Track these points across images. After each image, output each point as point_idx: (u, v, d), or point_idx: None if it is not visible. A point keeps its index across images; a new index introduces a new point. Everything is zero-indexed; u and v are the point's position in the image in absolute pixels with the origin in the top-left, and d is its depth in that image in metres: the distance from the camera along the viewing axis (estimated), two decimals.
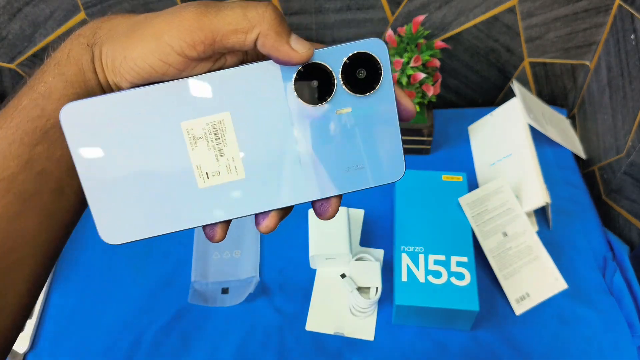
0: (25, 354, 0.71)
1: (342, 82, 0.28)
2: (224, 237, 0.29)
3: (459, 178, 0.77)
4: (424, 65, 0.83)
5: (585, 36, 0.88)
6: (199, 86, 0.27)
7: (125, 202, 0.28)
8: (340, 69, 0.28)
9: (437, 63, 0.84)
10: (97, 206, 0.28)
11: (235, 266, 0.77)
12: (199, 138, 0.28)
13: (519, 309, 0.71)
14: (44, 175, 0.26)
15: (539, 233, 0.78)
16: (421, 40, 0.82)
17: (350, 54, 0.27)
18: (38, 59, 0.96)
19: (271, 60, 0.27)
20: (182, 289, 0.75)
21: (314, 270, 0.77)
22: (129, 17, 0.27)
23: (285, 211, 0.30)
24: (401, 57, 0.83)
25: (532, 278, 0.72)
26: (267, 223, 0.29)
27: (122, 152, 0.27)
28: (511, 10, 0.86)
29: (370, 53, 0.27)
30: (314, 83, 0.28)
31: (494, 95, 1.02)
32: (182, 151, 0.28)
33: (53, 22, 0.90)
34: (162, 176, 0.28)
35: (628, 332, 0.69)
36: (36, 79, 0.27)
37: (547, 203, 0.75)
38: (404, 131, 0.87)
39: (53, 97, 0.26)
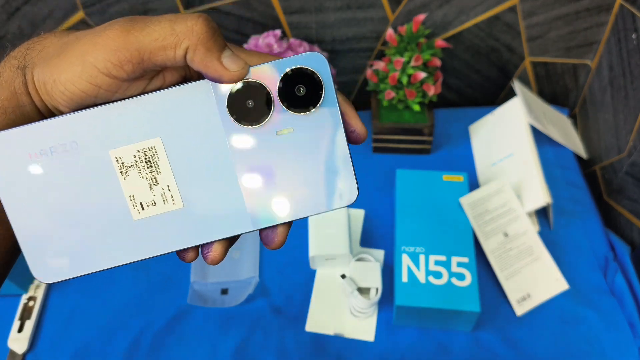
0: (24, 355, 0.71)
1: (280, 101, 0.25)
2: (196, 257, 0.27)
3: (459, 178, 0.77)
4: (424, 64, 0.83)
5: (586, 35, 0.88)
6: (127, 111, 0.25)
7: (56, 239, 0.26)
8: (278, 86, 0.25)
9: (438, 62, 0.83)
10: (27, 244, 0.26)
11: (235, 267, 0.77)
12: (130, 167, 0.25)
13: (520, 310, 0.71)
14: None
15: (540, 233, 0.78)
16: (422, 40, 0.82)
17: (287, 70, 0.25)
18: None
19: (205, 80, 0.25)
20: (182, 289, 0.75)
21: (314, 271, 0.77)
22: (60, 37, 0.26)
23: (231, 240, 0.27)
24: (402, 56, 0.82)
25: (533, 278, 0.72)
26: (213, 254, 0.27)
27: (50, 186, 0.25)
28: (512, 9, 0.86)
29: (309, 68, 0.25)
30: (249, 103, 0.25)
31: (495, 95, 1.01)
32: (113, 182, 0.26)
33: (52, 21, 0.89)
34: (93, 209, 0.26)
35: (629, 332, 0.69)
36: None
37: (549, 203, 0.75)
38: (404, 130, 0.87)
39: None
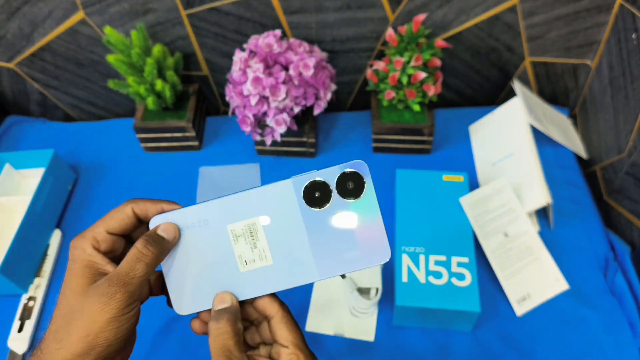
0: (24, 355, 0.71)
1: (337, 192, 0.37)
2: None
3: (459, 178, 0.77)
4: (424, 64, 0.83)
5: (586, 35, 0.88)
6: (237, 200, 0.37)
7: (189, 281, 0.39)
8: (335, 183, 0.37)
9: (438, 62, 0.83)
10: (171, 283, 0.39)
11: None
12: (239, 236, 0.38)
13: (520, 310, 0.71)
14: None
15: (540, 233, 0.78)
16: (422, 40, 0.82)
17: (343, 172, 0.36)
18: (37, 58, 0.95)
19: (289, 179, 0.37)
20: None
21: None
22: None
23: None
24: (402, 56, 0.82)
25: (533, 278, 0.72)
26: None
27: (190, 245, 0.38)
28: (512, 9, 0.86)
29: (356, 171, 0.36)
30: (317, 194, 0.37)
31: (495, 95, 1.01)
32: (228, 245, 0.38)
33: (52, 21, 0.89)
34: (215, 262, 0.38)
35: (629, 332, 0.69)
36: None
37: (549, 203, 0.75)
38: (404, 130, 0.87)
39: None
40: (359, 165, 0.37)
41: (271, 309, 0.38)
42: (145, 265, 0.36)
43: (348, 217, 0.37)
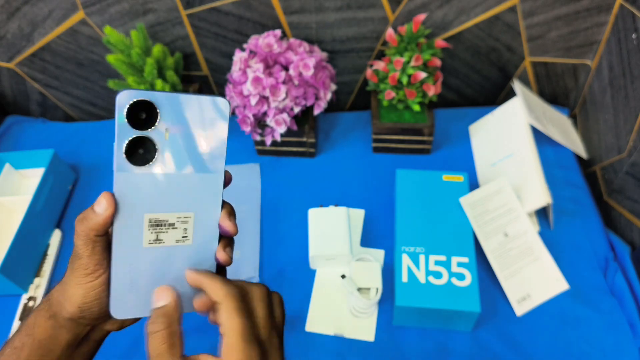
0: None
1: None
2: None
3: (459, 178, 0.77)
4: (424, 64, 0.83)
5: (586, 35, 0.88)
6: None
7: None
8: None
9: (438, 62, 0.83)
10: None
11: (235, 267, 0.77)
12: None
13: (520, 310, 0.71)
14: None
15: (540, 233, 0.78)
16: (422, 40, 0.82)
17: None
18: (37, 58, 0.95)
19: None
20: None
21: (314, 271, 0.77)
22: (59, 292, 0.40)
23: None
24: (402, 56, 0.82)
25: (534, 278, 0.72)
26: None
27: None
28: (512, 9, 0.86)
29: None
30: (141, 150, 0.39)
31: (495, 95, 1.01)
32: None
33: (52, 21, 0.89)
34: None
35: (629, 332, 0.69)
36: (17, 334, 0.39)
37: (549, 203, 0.75)
38: (404, 130, 0.87)
39: (24, 349, 0.39)
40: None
41: (218, 294, 0.36)
42: (77, 237, 0.37)
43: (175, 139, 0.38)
